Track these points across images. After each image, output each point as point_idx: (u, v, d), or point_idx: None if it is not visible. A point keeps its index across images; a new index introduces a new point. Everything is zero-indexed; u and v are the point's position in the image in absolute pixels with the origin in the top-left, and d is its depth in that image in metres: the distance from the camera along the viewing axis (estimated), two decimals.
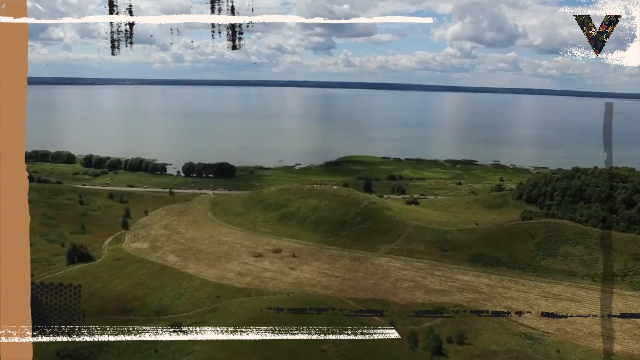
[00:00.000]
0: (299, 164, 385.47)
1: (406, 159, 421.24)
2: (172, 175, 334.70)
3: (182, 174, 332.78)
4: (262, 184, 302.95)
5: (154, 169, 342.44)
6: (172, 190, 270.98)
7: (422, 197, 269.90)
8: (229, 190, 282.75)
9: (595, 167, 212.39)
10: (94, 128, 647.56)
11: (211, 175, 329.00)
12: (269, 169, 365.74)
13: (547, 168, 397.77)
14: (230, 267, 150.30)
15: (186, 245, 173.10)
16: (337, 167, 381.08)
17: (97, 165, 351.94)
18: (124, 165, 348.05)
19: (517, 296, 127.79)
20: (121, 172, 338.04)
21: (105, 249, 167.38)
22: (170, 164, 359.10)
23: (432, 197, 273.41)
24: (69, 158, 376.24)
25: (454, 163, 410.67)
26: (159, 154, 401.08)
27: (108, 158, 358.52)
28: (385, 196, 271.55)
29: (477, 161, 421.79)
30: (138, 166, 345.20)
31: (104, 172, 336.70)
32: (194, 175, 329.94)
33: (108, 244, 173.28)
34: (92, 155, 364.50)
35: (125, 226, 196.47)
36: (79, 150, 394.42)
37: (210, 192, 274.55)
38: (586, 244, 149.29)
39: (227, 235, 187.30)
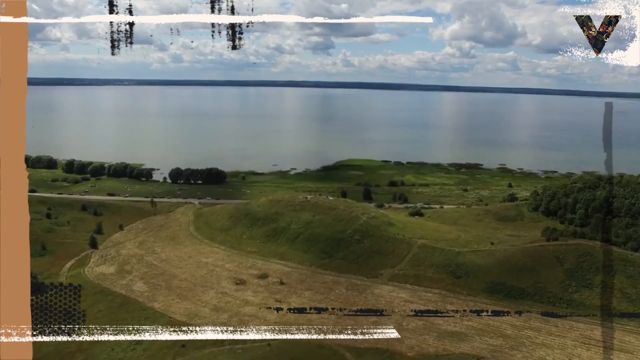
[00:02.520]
0: (295, 169, 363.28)
1: (407, 163, 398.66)
2: (158, 181, 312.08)
3: (168, 180, 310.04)
4: (253, 191, 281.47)
5: (139, 175, 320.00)
6: (154, 199, 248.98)
7: (426, 206, 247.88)
8: (217, 198, 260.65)
9: (621, 176, 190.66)
10: (85, 130, 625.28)
11: (200, 182, 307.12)
12: (262, 174, 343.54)
13: (556, 172, 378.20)
14: (205, 298, 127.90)
15: (159, 269, 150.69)
16: (335, 172, 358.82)
17: (79, 170, 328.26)
18: (108, 171, 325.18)
19: (550, 342, 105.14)
20: (104, 179, 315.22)
21: (63, 275, 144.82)
22: (158, 169, 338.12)
23: (437, 206, 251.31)
24: (50, 163, 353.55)
25: (457, 167, 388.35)
26: (148, 158, 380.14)
27: (91, 163, 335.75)
28: (387, 205, 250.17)
29: (482, 165, 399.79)
30: (122, 172, 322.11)
31: (86, 178, 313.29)
32: (182, 181, 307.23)
33: (69, 268, 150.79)
34: (74, 160, 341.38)
35: (94, 245, 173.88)
36: (65, 154, 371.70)
37: (196, 202, 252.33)
38: (628, 273, 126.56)
39: (208, 255, 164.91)
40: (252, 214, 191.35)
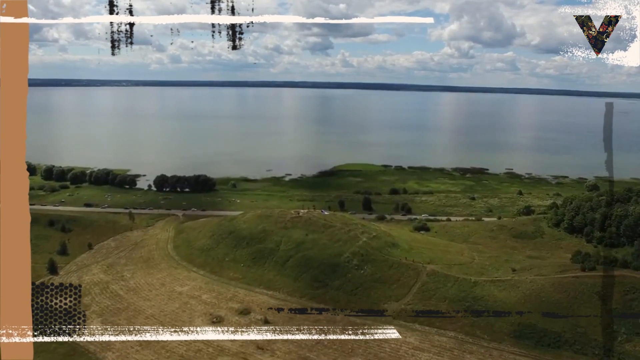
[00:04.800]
0: (290, 174, 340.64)
1: (409, 168, 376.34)
2: (142, 189, 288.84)
3: (153, 188, 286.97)
4: (243, 201, 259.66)
5: (122, 183, 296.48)
6: (134, 211, 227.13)
7: (431, 218, 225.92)
8: (203, 209, 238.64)
9: None
10: (75, 133, 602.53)
11: (187, 190, 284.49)
12: (254, 180, 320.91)
13: (567, 177, 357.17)
14: (172, 345, 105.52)
15: (124, 302, 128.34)
16: (332, 178, 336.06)
17: (58, 177, 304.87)
18: (89, 178, 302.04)
19: None
20: (84, 187, 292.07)
21: None
22: (144, 175, 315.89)
23: (444, 218, 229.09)
24: (28, 169, 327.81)
25: (462, 172, 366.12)
26: (136, 163, 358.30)
27: (72, 169, 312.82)
28: (388, 217, 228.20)
29: (488, 169, 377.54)
30: (104, 179, 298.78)
31: (64, 186, 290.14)
32: (167, 189, 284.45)
33: None
34: (53, 166, 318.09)
35: (54, 270, 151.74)
36: (48, 158, 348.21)
37: (179, 214, 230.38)
38: None
39: (183, 282, 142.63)
40: (237, 231, 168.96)
